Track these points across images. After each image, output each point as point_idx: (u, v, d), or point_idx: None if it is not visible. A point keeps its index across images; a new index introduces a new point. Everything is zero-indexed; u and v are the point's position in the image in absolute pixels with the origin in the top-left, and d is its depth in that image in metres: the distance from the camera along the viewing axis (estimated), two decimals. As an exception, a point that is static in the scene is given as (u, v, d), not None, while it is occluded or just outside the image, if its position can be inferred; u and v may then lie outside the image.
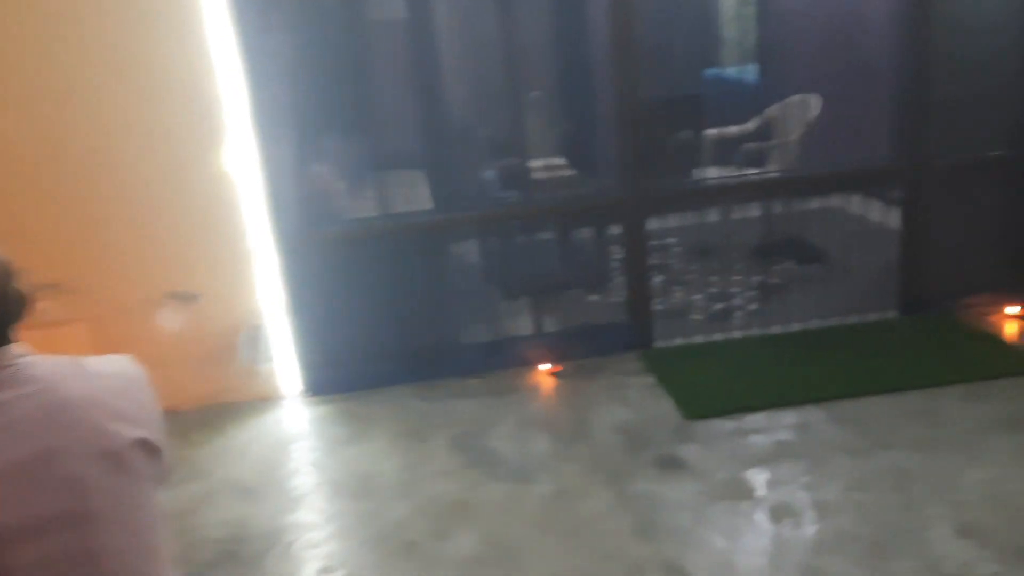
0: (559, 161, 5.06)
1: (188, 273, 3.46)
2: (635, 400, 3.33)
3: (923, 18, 3.55)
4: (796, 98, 5.17)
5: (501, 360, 3.72)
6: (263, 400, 3.60)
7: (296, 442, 3.28)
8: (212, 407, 3.55)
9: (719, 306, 4.33)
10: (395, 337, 3.74)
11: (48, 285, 3.32)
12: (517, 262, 4.44)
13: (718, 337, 3.85)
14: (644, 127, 3.61)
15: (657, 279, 4.62)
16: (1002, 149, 3.75)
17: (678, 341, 3.86)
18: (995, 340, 3.56)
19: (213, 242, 3.44)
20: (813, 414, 3.09)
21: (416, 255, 3.82)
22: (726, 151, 5.15)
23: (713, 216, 4.77)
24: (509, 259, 4.43)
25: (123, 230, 3.38)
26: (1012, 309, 3.72)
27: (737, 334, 3.86)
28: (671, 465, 2.87)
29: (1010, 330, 3.63)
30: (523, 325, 3.96)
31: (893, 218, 4.04)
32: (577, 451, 3.02)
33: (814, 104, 5.04)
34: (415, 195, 4.38)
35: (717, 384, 3.39)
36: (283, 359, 3.59)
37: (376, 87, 4.66)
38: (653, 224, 3.87)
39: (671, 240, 5.19)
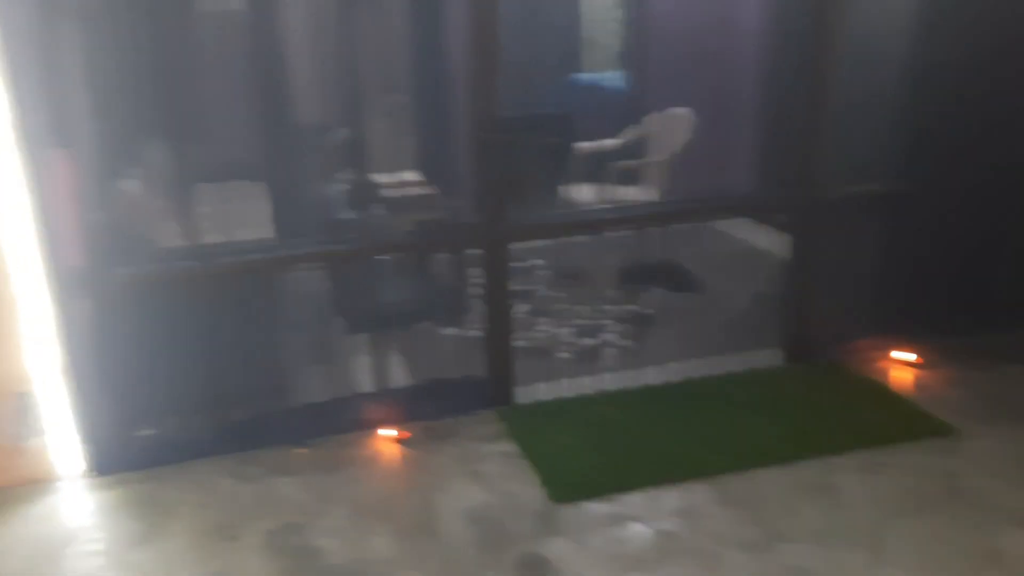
0: (414, 176, 4.49)
1: (-74, 327, 2.70)
2: (493, 476, 2.82)
3: (823, 38, 3.20)
4: (673, 111, 4.81)
5: (336, 423, 3.13)
6: (31, 484, 2.87)
7: (70, 545, 2.59)
8: (-37, 495, 2.80)
9: (588, 342, 3.90)
10: (204, 398, 3.09)
11: None
12: (361, 290, 3.87)
13: (587, 385, 3.40)
14: (504, 147, 3.10)
15: (520, 308, 4.15)
16: (892, 182, 3.45)
17: (542, 387, 3.38)
18: (887, 393, 3.25)
19: (-39, 287, 2.68)
20: (699, 493, 2.67)
21: (239, 296, 3.18)
22: (596, 167, 4.72)
23: (582, 235, 4.34)
24: (352, 287, 3.86)
25: None
26: (899, 354, 3.44)
27: (609, 382, 3.42)
28: (536, 569, 2.37)
29: (900, 379, 3.34)
30: (364, 377, 3.38)
31: (781, 245, 3.70)
32: (422, 550, 2.48)
33: (690, 119, 4.68)
34: (249, 212, 3.72)
35: (588, 452, 2.93)
36: (59, 431, 2.87)
37: (205, 86, 3.95)
38: (517, 244, 3.40)
39: (537, 262, 4.73)
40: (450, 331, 4.08)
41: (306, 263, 3.26)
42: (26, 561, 2.51)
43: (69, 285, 2.81)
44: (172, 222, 3.60)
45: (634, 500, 2.65)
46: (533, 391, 3.36)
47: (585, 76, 6.00)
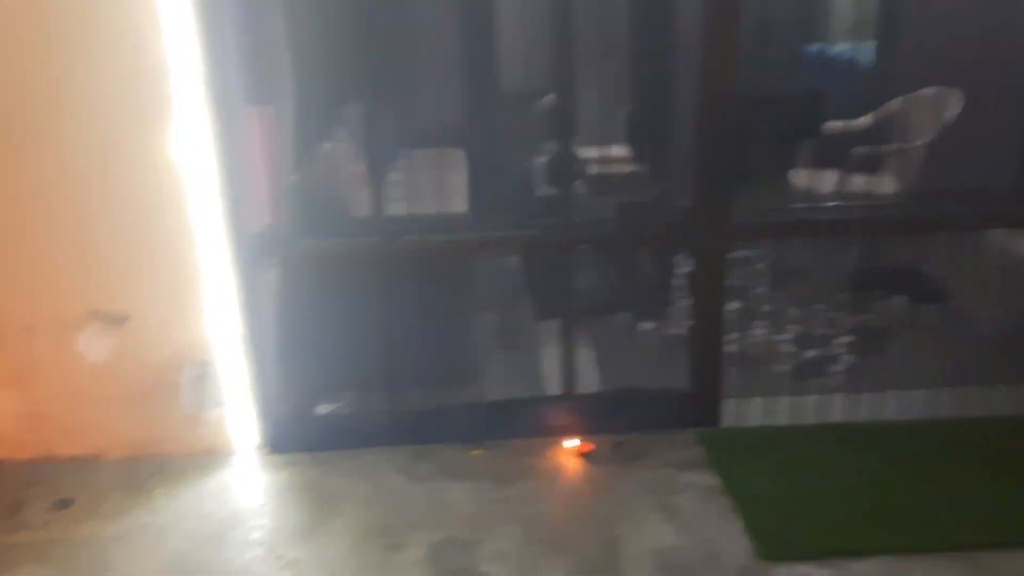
0: (622, 152, 4.10)
1: (118, 288, 2.65)
2: (688, 514, 2.42)
3: None
4: (928, 91, 4.09)
5: (515, 425, 2.84)
6: (208, 455, 2.79)
7: (233, 530, 2.47)
8: (143, 459, 2.76)
9: (810, 354, 3.38)
10: (382, 382, 2.89)
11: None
12: (555, 271, 3.55)
13: (808, 410, 2.89)
14: (735, 129, 2.64)
15: (731, 306, 3.67)
16: None
17: (752, 406, 2.92)
18: None
19: (152, 249, 2.61)
20: (949, 571, 2.15)
21: (425, 274, 2.95)
22: (834, 153, 4.11)
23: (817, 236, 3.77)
24: (545, 266, 3.53)
25: (36, 227, 2.57)
26: None
27: (835, 409, 2.90)
28: (733, 645, 1.97)
29: None
30: (550, 377, 3.06)
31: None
32: (600, 596, 2.14)
33: (952, 102, 3.95)
34: (445, 182, 3.50)
35: (807, 498, 2.46)
36: (237, 405, 2.77)
37: (410, 44, 3.75)
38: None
39: (750, 252, 4.21)
40: (649, 326, 3.69)
41: (498, 248, 2.95)
42: (188, 542, 2.41)
43: (254, 253, 2.68)
44: (366, 189, 3.42)
45: (865, 570, 2.17)
46: (741, 410, 2.90)
47: (826, 48, 5.31)
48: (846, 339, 3.43)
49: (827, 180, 4.08)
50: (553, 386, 2.97)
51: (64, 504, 2.56)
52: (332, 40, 3.12)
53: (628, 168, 3.93)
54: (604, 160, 3.90)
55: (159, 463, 2.75)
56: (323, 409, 3.02)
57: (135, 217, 2.58)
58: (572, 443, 2.75)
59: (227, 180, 2.58)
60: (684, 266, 3.58)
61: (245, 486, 2.67)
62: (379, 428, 2.83)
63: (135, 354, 2.69)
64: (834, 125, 4.25)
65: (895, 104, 4.25)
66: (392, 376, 2.88)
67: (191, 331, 2.68)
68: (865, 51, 5.10)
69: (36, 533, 2.44)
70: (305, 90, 3.23)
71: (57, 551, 2.36)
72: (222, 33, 2.50)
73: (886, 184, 4.06)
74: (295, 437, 2.81)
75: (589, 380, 3.08)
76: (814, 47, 5.27)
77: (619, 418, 2.84)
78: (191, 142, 2.50)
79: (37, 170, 2.50)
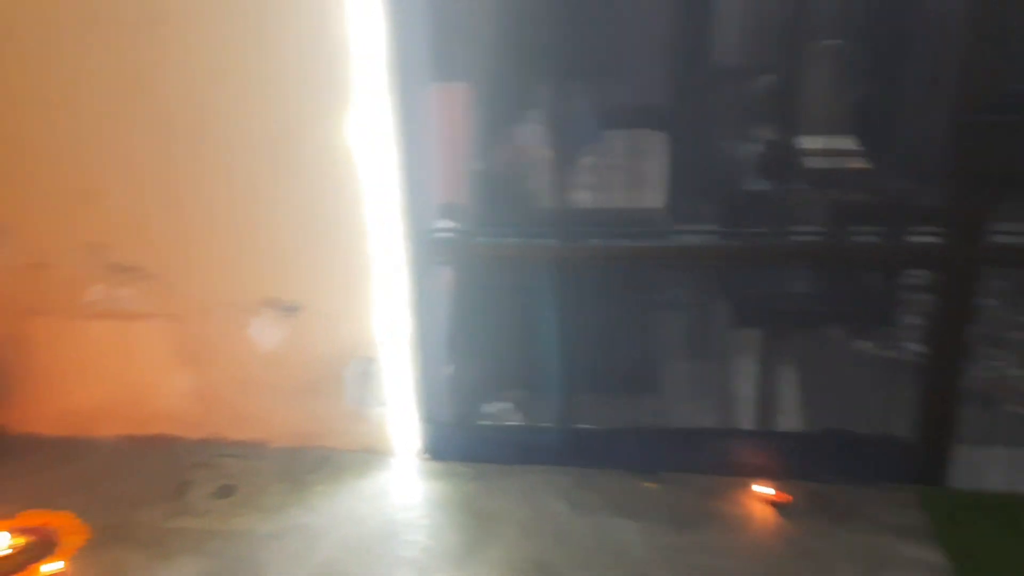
0: (847, 144, 3.57)
1: (292, 278, 2.56)
2: (905, 599, 2.01)
3: None
4: None
5: (698, 458, 2.51)
6: (368, 453, 2.67)
7: (386, 543, 2.32)
8: (305, 451, 2.69)
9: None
10: (552, 395, 2.64)
11: (128, 268, 2.58)
12: (756, 276, 3.14)
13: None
14: (1001, 132, 2.14)
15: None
16: None
17: (995, 458, 2.43)
18: None
19: (325, 241, 2.50)
20: None
21: (614, 280, 2.68)
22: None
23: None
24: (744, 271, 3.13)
25: (215, 212, 2.52)
26: None
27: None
28: None
29: None
30: (743, 404, 2.70)
31: None
32: None
33: None
34: (642, 169, 3.19)
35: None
36: (400, 405, 2.63)
37: (613, 13, 3.43)
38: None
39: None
40: (865, 345, 3.21)
41: (698, 259, 2.60)
42: (341, 551, 2.29)
43: (428, 248, 2.50)
44: (554, 176, 3.16)
45: None
46: (978, 466, 2.41)
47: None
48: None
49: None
50: (747, 416, 2.61)
51: (226, 492, 2.53)
52: (527, 10, 2.87)
53: (856, 163, 3.42)
54: (828, 153, 3.41)
55: (320, 456, 2.66)
56: (489, 409, 2.83)
57: (310, 207, 2.46)
58: (764, 488, 2.38)
59: (406, 169, 2.41)
60: (917, 278, 3.06)
61: (402, 493, 2.53)
62: (545, 444, 2.59)
63: (304, 345, 2.61)
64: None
65: None
66: (564, 388, 2.63)
67: (359, 326, 2.56)
68: None
69: (197, 520, 2.42)
70: (497, 67, 3.01)
71: (213, 543, 2.32)
72: (410, 6, 2.31)
73: None
74: (456, 444, 2.64)
75: (790, 412, 2.68)
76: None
77: (823, 464, 2.43)
78: (369, 128, 2.34)
79: (218, 156, 2.44)
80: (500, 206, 2.87)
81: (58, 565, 2.24)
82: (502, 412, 2.79)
